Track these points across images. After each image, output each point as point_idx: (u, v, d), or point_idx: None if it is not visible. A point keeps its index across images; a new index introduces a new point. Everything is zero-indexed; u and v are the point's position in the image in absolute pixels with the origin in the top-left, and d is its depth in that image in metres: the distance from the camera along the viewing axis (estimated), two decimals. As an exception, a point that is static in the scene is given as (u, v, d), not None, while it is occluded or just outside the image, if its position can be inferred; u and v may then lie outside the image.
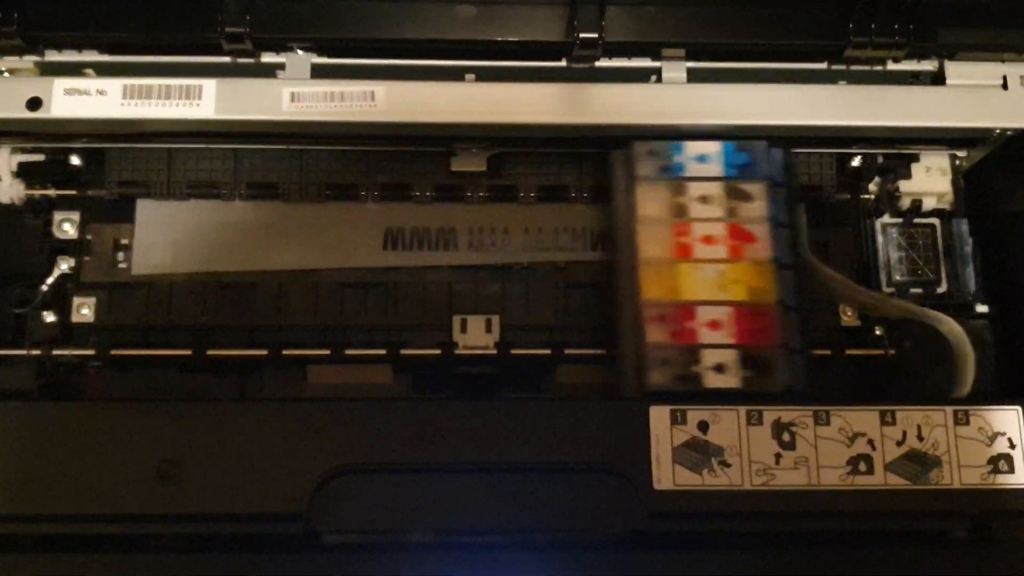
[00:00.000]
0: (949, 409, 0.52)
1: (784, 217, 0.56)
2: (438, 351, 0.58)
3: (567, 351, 0.59)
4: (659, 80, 0.60)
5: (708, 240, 0.55)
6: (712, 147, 0.57)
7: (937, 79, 0.61)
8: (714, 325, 0.54)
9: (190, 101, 0.56)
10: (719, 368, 0.53)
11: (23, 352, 0.58)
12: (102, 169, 0.61)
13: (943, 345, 0.58)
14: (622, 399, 0.54)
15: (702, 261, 0.55)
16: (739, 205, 0.56)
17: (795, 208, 0.57)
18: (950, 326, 0.57)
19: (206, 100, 0.56)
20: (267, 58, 0.59)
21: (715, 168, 0.56)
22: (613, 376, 0.55)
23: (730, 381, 0.53)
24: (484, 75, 0.59)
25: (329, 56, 0.59)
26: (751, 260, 0.55)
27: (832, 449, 0.50)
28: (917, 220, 0.63)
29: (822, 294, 0.60)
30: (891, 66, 0.61)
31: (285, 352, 0.58)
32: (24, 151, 0.60)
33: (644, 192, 0.56)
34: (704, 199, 0.56)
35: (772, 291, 0.54)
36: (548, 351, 0.59)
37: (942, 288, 0.62)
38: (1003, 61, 0.60)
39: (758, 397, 0.52)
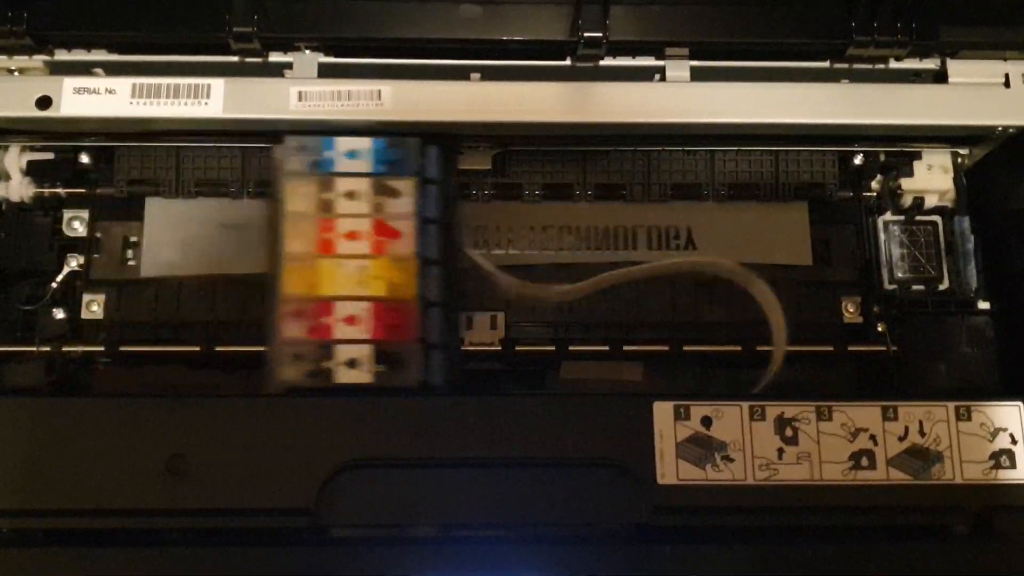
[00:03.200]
0: (951, 405, 0.52)
1: (435, 213, 0.56)
2: (443, 347, 0.59)
3: (571, 347, 0.59)
4: (663, 79, 0.60)
5: (352, 236, 0.55)
6: (363, 143, 0.56)
7: (939, 77, 0.61)
8: (351, 320, 0.53)
9: (198, 100, 0.56)
10: (351, 363, 0.53)
11: (33, 348, 0.58)
12: (111, 167, 0.61)
13: (956, 344, 0.59)
14: (626, 395, 0.54)
15: (344, 257, 0.54)
16: (386, 201, 0.55)
17: (452, 204, 0.58)
18: (739, 271, 0.58)
19: (214, 99, 0.56)
20: (274, 57, 0.60)
21: (364, 164, 0.56)
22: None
23: (362, 376, 0.53)
24: (489, 74, 0.60)
25: (336, 55, 0.60)
26: (393, 255, 0.54)
27: (834, 444, 0.51)
28: (919, 218, 0.63)
29: (496, 291, 0.60)
30: (893, 64, 0.61)
31: (292, 348, 0.58)
32: (34, 150, 0.61)
33: (292, 187, 0.55)
34: (351, 195, 0.55)
35: (412, 286, 0.54)
36: (553, 347, 0.59)
37: (944, 285, 0.62)
38: (1005, 59, 0.60)
39: (395, 392, 0.52)
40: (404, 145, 0.56)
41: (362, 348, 0.53)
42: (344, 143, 0.56)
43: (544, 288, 0.59)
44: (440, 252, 0.56)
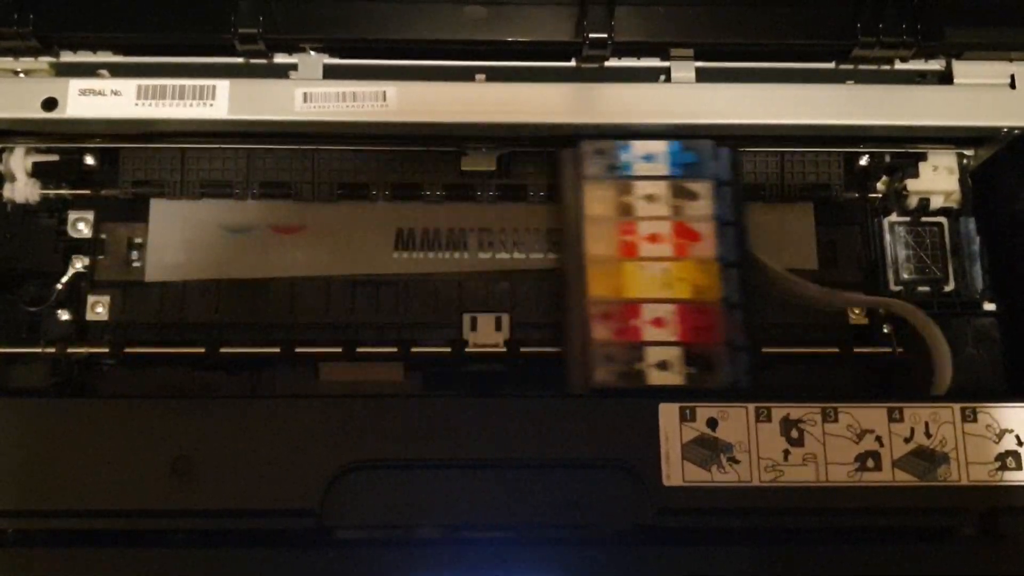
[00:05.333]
0: (957, 406, 0.52)
1: (730, 216, 0.56)
2: (448, 349, 0.59)
3: (576, 349, 0.59)
4: (668, 80, 0.60)
5: (654, 238, 0.55)
6: (659, 146, 0.57)
7: (944, 78, 0.61)
8: (658, 323, 0.54)
9: (203, 101, 0.56)
10: (662, 365, 0.53)
11: (38, 350, 0.58)
12: (116, 169, 0.61)
13: (961, 345, 0.58)
14: (632, 397, 0.54)
15: (647, 259, 0.55)
16: (685, 204, 0.56)
17: (741, 207, 0.58)
18: (919, 317, 0.57)
19: (219, 100, 0.56)
20: (280, 59, 0.60)
21: (661, 167, 0.56)
22: (564, 374, 0.55)
23: (673, 378, 0.53)
24: (494, 75, 0.60)
25: (341, 57, 0.60)
26: (696, 258, 0.55)
27: (840, 446, 0.51)
28: (925, 219, 0.63)
29: (772, 292, 0.60)
30: (898, 65, 0.61)
31: (297, 350, 0.58)
32: (39, 151, 0.61)
33: (591, 191, 0.56)
34: (650, 198, 0.56)
35: (716, 289, 0.54)
36: (558, 349, 0.59)
37: (949, 286, 0.62)
38: (1010, 60, 0.60)
39: (703, 394, 0.52)
40: (699, 148, 0.57)
41: (672, 350, 0.53)
42: (640, 147, 0.57)
43: (828, 292, 0.59)
44: (738, 254, 0.56)
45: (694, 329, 0.54)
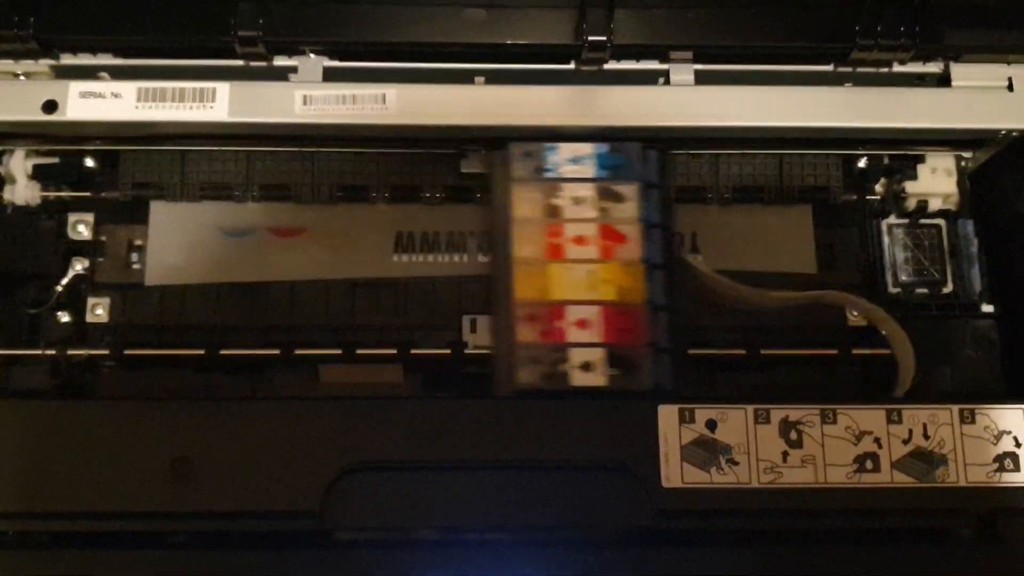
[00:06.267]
0: (955, 408, 0.52)
1: (657, 218, 0.56)
2: (448, 351, 0.59)
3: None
4: (667, 82, 0.60)
5: (580, 240, 0.55)
6: (585, 149, 0.57)
7: (943, 81, 0.61)
8: (583, 324, 0.54)
9: (203, 104, 0.57)
10: (586, 367, 0.53)
11: (38, 352, 0.58)
12: (116, 171, 0.61)
13: (961, 347, 0.59)
14: (631, 398, 0.54)
15: (573, 261, 0.55)
16: (611, 206, 0.56)
17: (670, 209, 0.58)
18: (863, 306, 0.58)
19: (219, 103, 0.57)
20: (280, 61, 0.60)
21: (588, 170, 0.56)
22: (493, 375, 0.55)
23: (597, 380, 0.53)
24: (494, 78, 0.60)
25: (341, 59, 0.60)
26: (621, 260, 0.55)
27: (839, 447, 0.51)
28: (923, 221, 0.63)
29: (705, 295, 0.60)
30: (897, 68, 0.61)
31: (297, 352, 0.58)
32: (39, 153, 0.61)
33: (519, 193, 0.56)
34: (577, 200, 0.56)
35: (641, 291, 0.54)
36: (557, 350, 0.59)
37: (948, 288, 0.62)
38: (1008, 63, 0.60)
39: (626, 395, 0.52)
40: (626, 150, 0.57)
41: (595, 351, 0.53)
42: (567, 149, 0.57)
43: (760, 293, 0.60)
44: (664, 256, 0.56)
45: (618, 331, 0.54)
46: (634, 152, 0.57)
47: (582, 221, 0.56)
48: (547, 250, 0.55)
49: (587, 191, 0.56)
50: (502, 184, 0.57)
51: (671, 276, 0.56)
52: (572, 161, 0.56)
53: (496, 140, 0.58)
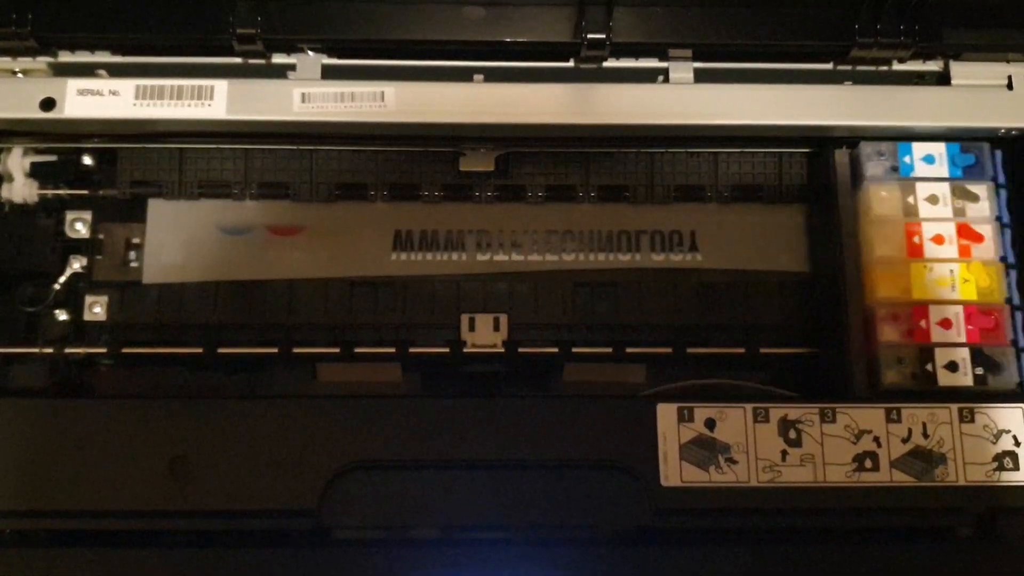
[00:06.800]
0: (954, 407, 0.52)
1: (1006, 217, 0.57)
2: (446, 349, 0.59)
3: (575, 349, 0.59)
4: (666, 80, 0.60)
5: (938, 240, 0.56)
6: (938, 148, 0.58)
7: (942, 79, 0.61)
8: (946, 324, 0.55)
9: (202, 101, 0.56)
10: (952, 366, 0.54)
11: (36, 350, 0.58)
12: (114, 169, 0.61)
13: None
14: (630, 398, 0.54)
15: (933, 260, 0.56)
16: (966, 205, 0.57)
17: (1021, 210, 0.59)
18: None
19: (217, 100, 0.56)
20: (278, 59, 0.60)
21: (942, 169, 0.58)
22: (839, 376, 0.56)
23: (962, 379, 0.54)
24: (492, 76, 0.60)
25: (339, 57, 0.60)
26: (980, 259, 0.56)
27: (838, 446, 0.51)
28: (925, 219, 0.63)
29: None
30: (896, 66, 0.61)
31: (295, 350, 0.58)
32: (37, 151, 0.61)
33: (875, 192, 0.57)
34: (932, 199, 0.57)
35: (1000, 290, 0.56)
36: (556, 349, 0.59)
37: (948, 287, 0.62)
38: (1008, 61, 0.60)
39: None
40: (978, 150, 0.58)
41: (961, 351, 0.54)
42: (920, 148, 0.58)
43: None
44: (1017, 256, 0.57)
45: (980, 331, 0.55)
46: (985, 151, 0.58)
47: (940, 220, 0.57)
48: (906, 249, 0.56)
49: (942, 190, 0.57)
50: (851, 183, 0.58)
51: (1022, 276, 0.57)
52: (924, 160, 0.58)
53: (838, 140, 0.59)
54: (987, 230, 0.57)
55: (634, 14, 0.58)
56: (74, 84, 0.57)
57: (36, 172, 0.61)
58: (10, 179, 0.60)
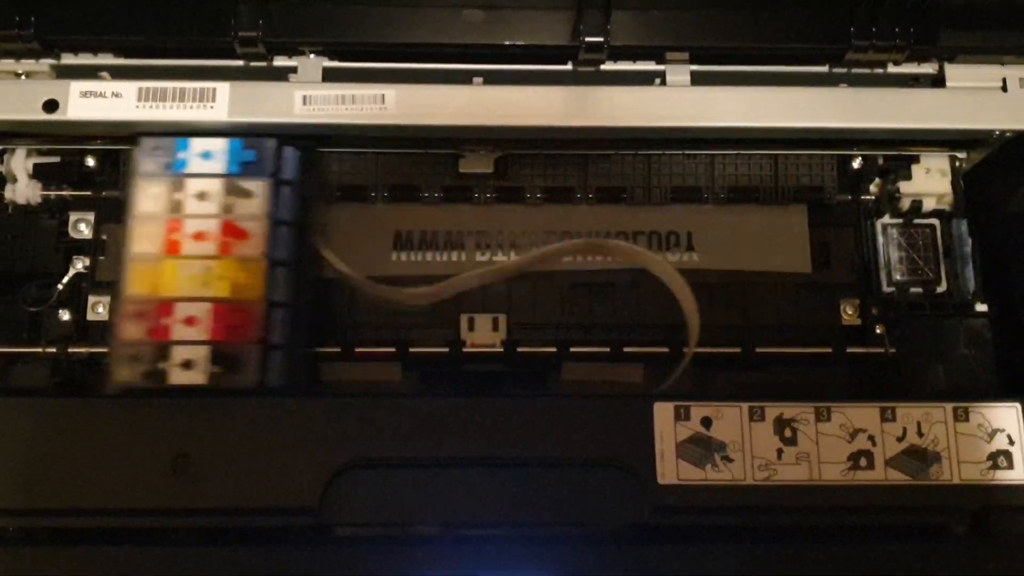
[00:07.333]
0: (949, 406, 0.52)
1: (290, 216, 0.56)
2: (446, 349, 0.59)
3: (573, 349, 0.59)
4: (663, 83, 0.61)
5: (199, 237, 0.55)
6: (218, 144, 0.56)
7: (937, 81, 0.61)
8: (191, 321, 0.53)
9: (204, 103, 0.57)
10: (187, 364, 0.53)
11: (39, 350, 0.59)
12: (117, 170, 0.61)
13: (954, 346, 0.59)
14: (627, 396, 0.55)
15: (189, 258, 0.54)
16: (237, 202, 0.55)
17: (309, 207, 0.58)
18: (631, 250, 0.58)
19: (220, 102, 0.57)
20: (279, 62, 0.60)
21: (218, 165, 0.56)
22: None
23: (196, 377, 0.52)
24: (491, 78, 0.60)
25: (340, 60, 0.60)
26: (240, 257, 0.54)
27: (833, 445, 0.51)
28: (917, 221, 0.63)
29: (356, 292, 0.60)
30: (892, 69, 0.61)
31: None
32: (40, 153, 0.61)
33: (143, 188, 0.56)
34: (202, 196, 0.55)
35: (259, 287, 0.54)
36: (554, 349, 0.59)
37: (942, 287, 0.62)
38: (1003, 64, 0.60)
39: (229, 394, 0.52)
40: (259, 146, 0.57)
41: (198, 349, 0.53)
42: (198, 144, 0.56)
43: (395, 291, 0.60)
44: (292, 254, 0.56)
45: (227, 328, 0.53)
46: (268, 148, 0.56)
47: (204, 217, 0.55)
48: (165, 246, 0.55)
49: (214, 187, 0.56)
50: (127, 179, 0.57)
51: (300, 274, 0.56)
52: (203, 156, 0.56)
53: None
54: (255, 227, 0.55)
55: (631, 17, 0.59)
56: (77, 86, 0.57)
57: (39, 173, 0.61)
58: (13, 180, 0.61)
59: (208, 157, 0.56)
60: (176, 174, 0.56)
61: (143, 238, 0.55)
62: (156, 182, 0.56)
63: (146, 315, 0.53)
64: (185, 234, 0.55)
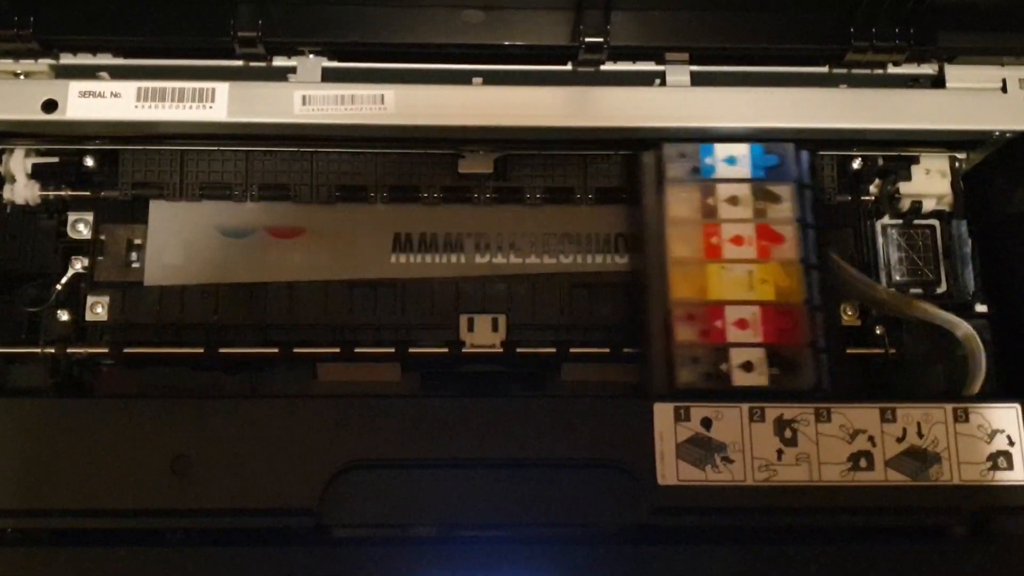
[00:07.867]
0: (949, 407, 0.52)
1: (810, 218, 0.57)
2: (445, 349, 0.59)
3: (572, 350, 0.59)
4: (663, 83, 0.61)
5: (737, 241, 0.56)
6: (740, 149, 0.58)
7: (937, 82, 0.61)
8: (742, 324, 0.54)
9: (203, 104, 0.57)
10: (747, 366, 0.54)
11: (38, 350, 0.58)
12: (116, 170, 0.61)
13: (953, 347, 0.59)
14: (627, 397, 0.55)
15: (731, 261, 0.56)
16: (767, 206, 0.57)
17: (819, 209, 0.58)
18: (965, 331, 0.57)
19: (219, 103, 0.57)
20: (279, 62, 0.60)
21: (743, 170, 0.57)
22: (642, 375, 0.56)
23: (758, 379, 0.53)
24: (491, 79, 0.60)
25: (340, 60, 0.60)
26: (779, 260, 0.56)
27: (833, 446, 0.51)
28: (917, 221, 0.63)
29: (842, 292, 0.60)
30: (891, 69, 0.61)
31: (295, 350, 0.58)
32: (39, 153, 0.61)
33: (674, 193, 0.57)
34: (733, 200, 0.57)
35: (799, 291, 0.55)
36: (554, 349, 0.59)
37: (942, 288, 0.62)
38: (1002, 64, 0.60)
39: (784, 395, 0.52)
40: (781, 150, 0.57)
41: (756, 351, 0.54)
42: (722, 149, 0.58)
43: (900, 299, 0.60)
44: (818, 257, 0.57)
45: (777, 331, 0.54)
46: (789, 152, 0.57)
47: (739, 221, 0.56)
48: (704, 250, 0.56)
49: (743, 191, 0.57)
50: (655, 184, 0.57)
51: (825, 277, 0.57)
52: (726, 161, 0.57)
53: (646, 141, 0.58)
54: (787, 231, 0.56)
55: (631, 18, 0.59)
56: (76, 86, 0.57)
57: (38, 173, 0.61)
58: (12, 180, 0.61)
59: (732, 162, 0.57)
60: (705, 179, 0.57)
61: (679, 241, 0.56)
62: (685, 187, 0.57)
63: (697, 318, 0.54)
64: (723, 238, 0.56)
